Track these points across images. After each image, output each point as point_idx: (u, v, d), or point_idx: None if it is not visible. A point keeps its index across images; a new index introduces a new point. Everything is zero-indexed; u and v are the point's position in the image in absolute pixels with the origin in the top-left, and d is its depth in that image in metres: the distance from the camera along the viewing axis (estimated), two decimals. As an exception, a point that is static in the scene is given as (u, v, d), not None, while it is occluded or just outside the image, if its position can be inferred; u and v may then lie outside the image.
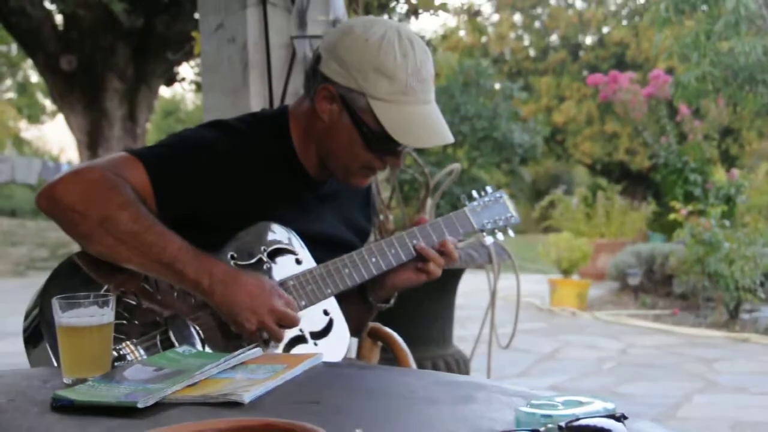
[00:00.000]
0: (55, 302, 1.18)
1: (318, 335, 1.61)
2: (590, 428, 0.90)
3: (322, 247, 1.66)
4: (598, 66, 19.52)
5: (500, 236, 1.84)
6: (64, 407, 1.03)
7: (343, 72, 1.54)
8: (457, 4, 18.24)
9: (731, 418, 4.27)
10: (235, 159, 1.57)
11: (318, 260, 1.64)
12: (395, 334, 1.96)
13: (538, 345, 6.45)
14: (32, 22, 11.39)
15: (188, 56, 12.26)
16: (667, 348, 6.41)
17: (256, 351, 1.29)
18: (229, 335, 1.51)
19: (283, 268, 1.60)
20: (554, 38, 22.18)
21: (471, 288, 5.17)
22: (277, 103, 2.91)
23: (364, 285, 1.71)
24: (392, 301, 1.79)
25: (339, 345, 1.63)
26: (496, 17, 22.30)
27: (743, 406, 4.58)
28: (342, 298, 1.67)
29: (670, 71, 11.93)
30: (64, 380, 1.17)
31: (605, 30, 21.18)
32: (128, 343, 1.42)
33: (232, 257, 1.56)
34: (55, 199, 1.44)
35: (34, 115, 26.22)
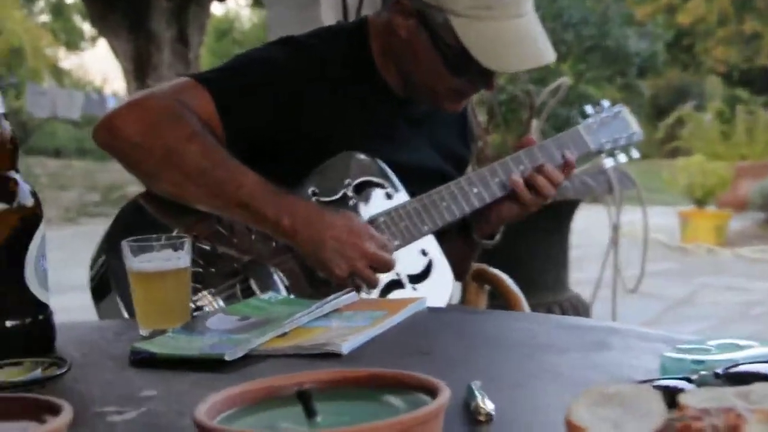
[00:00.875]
0: (125, 245, 1.22)
1: (417, 278, 1.63)
2: (755, 375, 0.88)
3: (415, 179, 1.66)
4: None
5: (622, 158, 1.81)
6: (144, 360, 1.08)
7: None
8: None
9: None
10: (311, 79, 1.58)
11: (411, 193, 1.64)
12: (505, 276, 1.97)
13: (670, 288, 6.34)
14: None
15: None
16: (828, 288, 6.23)
17: (352, 296, 1.31)
18: (316, 282, 1.54)
19: (372, 204, 1.62)
20: None
21: (587, 224, 5.10)
22: (352, 15, 2.90)
23: (464, 220, 1.71)
24: (498, 237, 1.79)
25: (441, 289, 1.64)
26: None
27: None
28: (441, 235, 1.68)
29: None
30: (141, 332, 1.21)
31: None
32: (205, 293, 1.47)
33: (314, 193, 1.58)
34: (114, 133, 1.48)
35: (73, 42, 26.78)
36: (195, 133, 1.47)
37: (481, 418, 0.80)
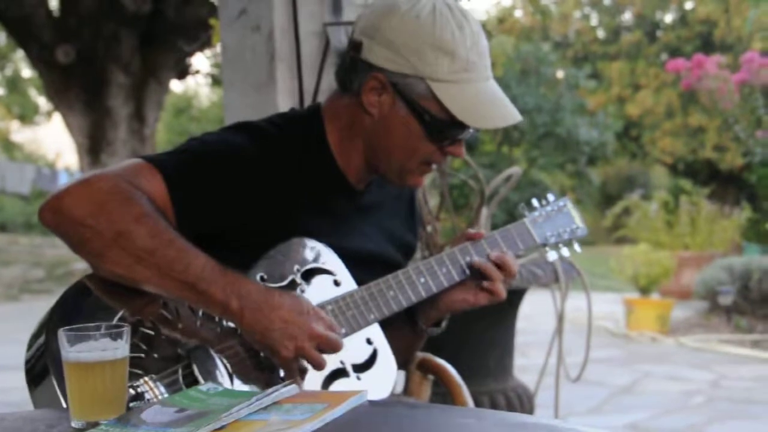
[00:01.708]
0: (62, 334, 1.20)
1: (361, 368, 1.62)
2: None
3: (363, 266, 1.67)
4: (680, 48, 19.32)
5: (565, 252, 1.84)
6: (74, 455, 1.05)
7: (393, 56, 1.56)
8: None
9: None
10: (264, 167, 1.58)
11: (359, 281, 1.65)
12: (449, 366, 1.97)
13: (613, 376, 6.37)
14: (24, 8, 11.60)
15: (203, 46, 12.39)
16: (768, 380, 6.30)
17: (292, 388, 1.30)
18: (260, 367, 1.52)
19: (320, 291, 1.61)
20: (627, 17, 22.00)
21: (532, 310, 5.14)
22: (308, 100, 2.93)
23: (412, 307, 1.72)
24: (444, 325, 1.80)
25: (385, 379, 1.64)
26: (557, -7, 22.20)
27: None
28: (386, 323, 1.67)
29: (766, 53, 11.74)
30: (73, 424, 1.18)
31: (688, 5, 20.93)
32: (146, 379, 1.43)
33: (262, 279, 1.57)
34: (61, 213, 1.45)
35: (27, 115, 26.66)
36: (144, 214, 1.45)
37: None
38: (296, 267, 1.60)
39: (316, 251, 1.63)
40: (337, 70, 1.67)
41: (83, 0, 11.80)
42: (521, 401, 3.49)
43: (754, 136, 10.27)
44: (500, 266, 1.70)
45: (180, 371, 1.47)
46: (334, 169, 1.66)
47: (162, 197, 1.51)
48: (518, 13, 21.52)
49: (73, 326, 1.21)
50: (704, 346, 7.67)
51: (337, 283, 1.63)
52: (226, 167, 1.56)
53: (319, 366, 1.49)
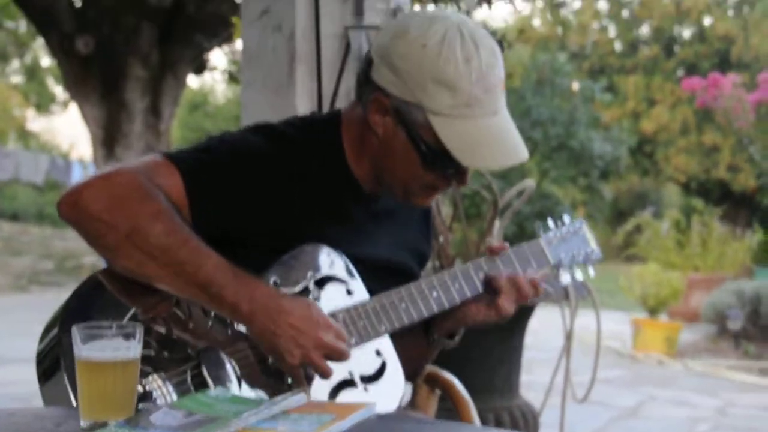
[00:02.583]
0: (75, 331, 1.20)
1: (369, 379, 1.61)
2: None
3: (376, 274, 1.67)
4: (697, 65, 19.28)
5: (579, 275, 1.83)
6: (82, 456, 1.05)
7: (397, 81, 1.55)
8: (534, -9, 18.22)
9: None
10: (282, 169, 1.59)
11: (371, 288, 1.64)
12: (456, 382, 1.96)
13: (618, 398, 6.34)
14: (46, -4, 11.66)
15: (222, 42, 12.43)
16: (775, 408, 6.26)
17: (300, 398, 1.29)
18: (268, 372, 1.52)
19: (332, 299, 1.61)
20: (645, 30, 21.95)
21: (540, 326, 5.12)
22: (327, 104, 2.93)
23: (427, 319, 1.71)
24: (458, 338, 1.79)
25: (392, 391, 1.63)
26: (576, 3, 22.17)
27: None
28: (400, 333, 1.67)
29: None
30: (81, 423, 1.18)
31: (707, 21, 20.88)
32: (155, 376, 1.43)
33: (275, 284, 1.57)
34: (79, 207, 1.46)
35: (43, 104, 26.76)
36: (161, 212, 1.45)
37: None
38: (310, 273, 1.60)
39: (330, 258, 1.63)
40: (356, 80, 1.67)
41: (105, -9, 11.85)
42: (526, 420, 3.47)
43: (769, 158, 10.24)
44: (513, 286, 1.69)
45: (189, 371, 1.47)
46: (348, 176, 1.66)
47: (179, 195, 1.51)
48: (536, 23, 21.50)
49: (87, 323, 1.22)
50: (711, 371, 7.64)
51: (349, 292, 1.63)
52: (245, 168, 1.56)
53: (325, 375, 1.48)
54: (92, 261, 12.46)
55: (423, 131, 1.55)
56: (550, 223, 1.83)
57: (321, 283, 1.61)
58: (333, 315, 1.59)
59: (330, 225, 1.64)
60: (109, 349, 1.19)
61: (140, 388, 1.38)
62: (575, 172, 16.60)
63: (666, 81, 20.05)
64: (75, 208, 1.46)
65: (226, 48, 13.85)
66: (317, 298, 1.60)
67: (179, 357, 1.48)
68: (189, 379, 1.47)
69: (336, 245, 1.63)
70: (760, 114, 10.71)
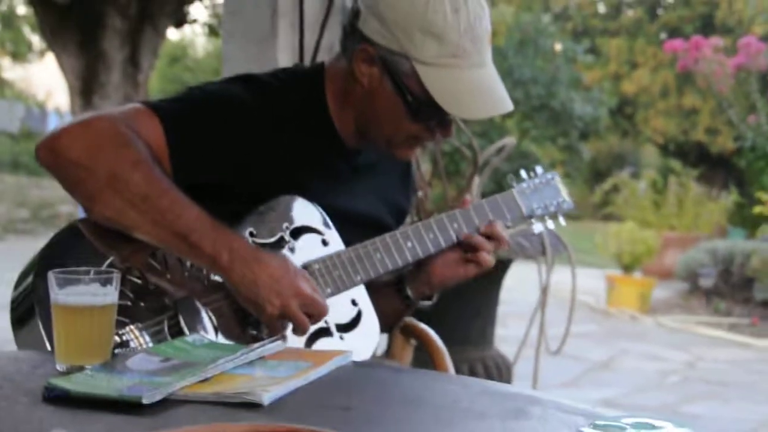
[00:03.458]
0: (52, 276, 1.19)
1: (344, 328, 1.63)
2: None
3: (353, 227, 1.67)
4: (680, 28, 19.25)
5: (550, 224, 1.85)
6: (58, 398, 1.05)
7: (384, 31, 1.54)
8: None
9: (815, 450, 4.25)
10: (263, 120, 1.58)
11: (347, 241, 1.65)
12: (432, 332, 1.98)
13: (590, 351, 6.44)
14: (23, -54, 11.44)
15: (203, -5, 12.27)
16: (744, 364, 6.37)
17: (278, 344, 1.30)
18: (245, 323, 1.53)
19: (308, 250, 1.62)
20: (629, -8, 21.87)
21: (515, 281, 5.15)
22: (308, 58, 2.91)
23: (402, 278, 1.74)
24: (434, 299, 1.81)
25: (367, 340, 1.65)
26: (561, -36, 22.02)
27: (830, 437, 4.55)
28: (376, 291, 1.68)
29: (767, 37, 11.72)
30: (58, 367, 1.18)
31: (690, -15, 20.84)
32: (132, 327, 1.43)
33: (251, 234, 1.57)
34: (57, 152, 1.45)
35: (19, 53, 26.34)
36: (141, 161, 1.45)
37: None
38: (285, 224, 1.60)
39: (306, 209, 1.63)
40: (341, 32, 1.66)
41: (83, -60, 11.63)
42: (500, 371, 3.52)
43: (746, 121, 10.30)
44: (490, 237, 1.70)
45: (166, 321, 1.48)
46: (330, 129, 1.66)
47: (159, 144, 1.50)
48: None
49: (64, 269, 1.21)
50: (682, 326, 7.75)
51: (325, 243, 1.64)
52: (225, 117, 1.56)
53: (302, 326, 1.49)
54: (68, 210, 12.39)
55: (409, 81, 1.54)
56: (523, 174, 1.83)
57: (296, 233, 1.61)
58: (308, 265, 1.60)
59: (310, 177, 1.64)
60: (87, 294, 1.19)
61: (117, 338, 1.38)
62: (555, 132, 16.61)
63: (649, 44, 20.01)
64: (53, 153, 1.46)
65: (206, 1, 13.67)
66: (292, 249, 1.60)
67: (156, 307, 1.48)
68: (166, 329, 1.47)
69: (315, 197, 1.64)
70: (740, 78, 10.74)
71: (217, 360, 1.19)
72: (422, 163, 3.74)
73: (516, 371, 3.79)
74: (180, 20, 14.07)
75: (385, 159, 1.78)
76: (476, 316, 3.57)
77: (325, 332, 1.59)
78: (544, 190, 1.83)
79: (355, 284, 1.64)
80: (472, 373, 3.40)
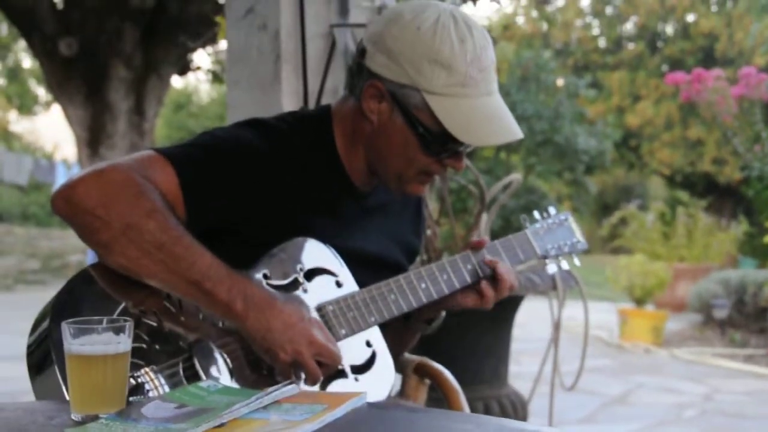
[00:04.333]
0: (65, 326, 1.20)
1: (359, 369, 1.62)
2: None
3: (366, 268, 1.68)
4: (682, 60, 19.35)
5: (565, 265, 1.86)
6: (75, 448, 1.05)
7: (392, 65, 1.56)
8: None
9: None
10: (274, 164, 1.59)
11: (360, 282, 1.65)
12: (446, 371, 1.97)
13: (606, 386, 6.38)
14: (28, -1, 11.60)
15: (206, 43, 12.38)
16: (761, 395, 6.30)
17: (292, 388, 1.30)
18: (259, 367, 1.53)
19: (322, 291, 1.62)
20: (629, 27, 22.03)
21: (527, 317, 5.14)
22: (312, 101, 2.94)
23: None
24: (435, 325, 1.81)
25: (383, 381, 1.64)
26: (560, 1, 22.21)
27: None
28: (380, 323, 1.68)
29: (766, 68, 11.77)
30: (73, 416, 1.18)
31: (691, 18, 20.96)
32: (147, 369, 1.43)
33: (265, 276, 1.58)
34: (73, 202, 1.46)
35: (26, 106, 26.60)
36: (155, 209, 1.46)
37: None
38: (299, 266, 1.61)
39: (319, 251, 1.63)
40: (347, 73, 1.68)
41: (87, -7, 11.78)
42: (515, 408, 3.49)
43: (752, 150, 10.30)
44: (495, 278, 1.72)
45: (181, 364, 1.48)
46: (340, 171, 1.67)
47: (173, 190, 1.52)
48: (520, 20, 21.53)
49: (77, 318, 1.22)
50: (698, 358, 7.69)
51: (339, 284, 1.64)
52: (237, 162, 1.57)
53: (314, 375, 1.49)
54: (78, 259, 12.43)
55: (420, 113, 1.56)
56: (536, 215, 1.85)
57: (310, 275, 1.62)
58: (322, 306, 1.60)
59: (321, 219, 1.65)
60: (100, 343, 1.20)
61: (132, 381, 1.38)
62: (560, 167, 16.65)
63: (650, 77, 20.11)
64: (69, 203, 1.47)
65: (209, 48, 13.81)
66: (306, 290, 1.60)
67: (171, 350, 1.48)
68: (181, 371, 1.47)
69: (326, 239, 1.64)
70: (743, 108, 10.77)
71: (232, 405, 1.19)
72: (430, 202, 3.75)
73: (531, 408, 3.76)
74: (184, 68, 14.21)
75: (396, 200, 1.79)
76: (489, 354, 3.55)
77: (340, 374, 1.59)
78: (558, 231, 1.84)
79: (369, 326, 1.64)
80: (487, 411, 3.37)
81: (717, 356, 7.75)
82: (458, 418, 1.39)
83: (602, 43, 22.06)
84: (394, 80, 1.57)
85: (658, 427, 5.29)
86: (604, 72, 20.94)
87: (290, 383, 1.32)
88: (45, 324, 1.46)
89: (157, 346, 1.47)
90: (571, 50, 21.68)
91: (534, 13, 21.62)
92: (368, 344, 1.65)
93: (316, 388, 1.54)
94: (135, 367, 1.38)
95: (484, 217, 3.63)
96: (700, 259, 10.97)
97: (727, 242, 11.31)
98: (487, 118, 1.57)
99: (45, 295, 1.55)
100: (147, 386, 1.42)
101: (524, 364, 6.08)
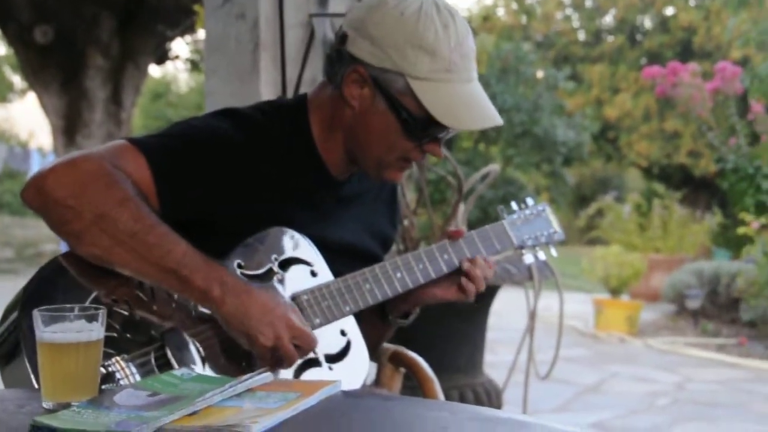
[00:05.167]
0: (37, 315, 1.19)
1: (334, 358, 1.63)
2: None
3: (341, 257, 1.68)
4: (660, 54, 19.43)
5: (541, 255, 1.86)
6: (45, 436, 1.04)
7: (375, 51, 1.56)
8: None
9: (807, 468, 4.25)
10: (249, 154, 1.59)
11: (336, 272, 1.66)
12: (421, 360, 1.97)
13: (581, 375, 6.43)
14: (3, -14, 11.48)
15: (185, 32, 12.33)
16: (732, 383, 6.37)
17: (266, 376, 1.30)
18: (232, 354, 1.52)
19: (296, 281, 1.62)
20: (609, 20, 22.08)
21: (503, 307, 5.15)
22: (291, 91, 2.93)
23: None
24: (411, 318, 1.81)
25: (357, 370, 1.65)
26: (540, -7, 22.22)
27: (821, 455, 4.55)
28: (356, 313, 1.68)
29: (744, 61, 11.86)
30: (44, 404, 1.18)
31: (670, 11, 21.06)
32: (118, 358, 1.43)
33: (239, 265, 1.57)
34: (44, 192, 1.45)
35: (1, 93, 26.36)
36: (127, 198, 1.45)
37: None
38: (274, 256, 1.60)
39: (294, 241, 1.63)
40: (325, 60, 1.67)
41: (64, -20, 11.67)
42: (490, 397, 3.51)
43: (727, 144, 10.38)
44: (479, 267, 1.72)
45: (152, 353, 1.47)
46: (316, 160, 1.67)
47: (146, 181, 1.51)
48: (500, 12, 21.53)
49: (48, 306, 1.21)
50: (671, 348, 7.76)
51: (313, 274, 1.64)
52: (211, 153, 1.56)
53: (291, 358, 1.49)
54: (52, 248, 12.34)
55: (403, 98, 1.56)
56: (514, 206, 1.85)
57: (285, 265, 1.62)
58: (297, 296, 1.60)
59: (296, 209, 1.64)
60: (72, 331, 1.19)
61: (103, 370, 1.37)
62: (539, 158, 16.66)
63: (630, 70, 20.16)
64: (40, 194, 1.46)
65: (188, 37, 13.74)
66: (281, 280, 1.60)
67: (142, 339, 1.48)
68: (153, 360, 1.47)
69: (302, 229, 1.64)
70: (718, 102, 10.85)
71: (205, 393, 1.18)
72: (407, 192, 3.75)
73: (506, 397, 3.78)
74: (162, 57, 14.13)
75: (371, 190, 1.79)
76: (465, 343, 3.57)
77: (314, 363, 1.59)
78: (535, 222, 1.85)
79: (344, 315, 1.64)
80: (462, 399, 3.39)
81: (690, 346, 7.83)
82: (433, 406, 1.40)
83: (582, 35, 22.10)
84: (377, 65, 1.56)
85: (630, 415, 5.34)
86: (584, 65, 20.98)
87: (264, 371, 1.32)
88: (14, 315, 1.45)
89: (128, 335, 1.46)
90: (551, 43, 21.72)
91: (514, 5, 21.62)
92: (343, 333, 1.65)
93: (290, 376, 1.54)
94: (106, 356, 1.38)
95: (462, 207, 3.64)
96: (675, 250, 11.05)
97: (701, 234, 11.40)
98: (469, 103, 1.58)
99: (18, 284, 1.54)
100: (118, 375, 1.41)
101: (500, 353, 6.11)
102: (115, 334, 1.44)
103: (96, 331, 1.20)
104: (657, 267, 10.39)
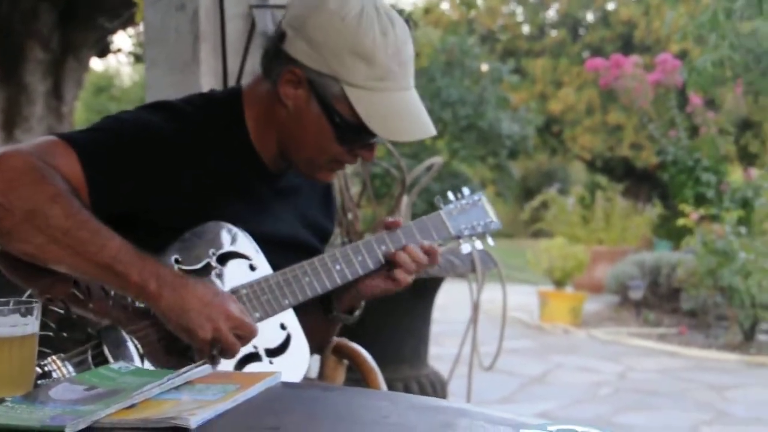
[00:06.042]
0: (-30, 309, 1.17)
1: (274, 352, 1.62)
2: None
3: (279, 250, 1.67)
4: (602, 48, 19.68)
5: (478, 244, 1.88)
6: (-22, 431, 1.03)
7: (313, 54, 1.55)
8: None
9: (743, 453, 4.35)
10: (181, 147, 1.57)
11: (274, 265, 1.65)
12: (363, 351, 1.98)
13: (525, 366, 6.50)
14: (-63, -23, 11.20)
15: (126, 24, 12.14)
16: (673, 372, 6.50)
17: (205, 368, 1.29)
18: (172, 350, 1.51)
19: (235, 275, 1.61)
20: (552, 14, 22.32)
21: (448, 300, 5.20)
22: (232, 82, 2.91)
23: (326, 294, 1.73)
24: (357, 313, 1.81)
25: (298, 363, 1.65)
26: (484, -13, 22.36)
27: (757, 439, 4.67)
28: (300, 310, 1.68)
29: (683, 54, 12.08)
30: (-22, 400, 1.16)
31: (611, 6, 21.36)
32: (54, 358, 1.41)
33: (177, 261, 1.56)
34: None
35: (-62, 88, 25.79)
36: (59, 194, 1.43)
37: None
38: (211, 250, 1.59)
39: (232, 235, 1.62)
40: (263, 55, 1.66)
41: (1, -29, 11.44)
42: (434, 388, 3.53)
43: (667, 136, 10.57)
44: (409, 256, 1.72)
45: (89, 351, 1.46)
46: (251, 153, 1.66)
47: (76, 176, 1.48)
48: (444, 6, 21.62)
49: (-19, 301, 1.19)
50: (614, 338, 7.89)
51: (252, 268, 1.63)
52: (141, 146, 1.54)
53: (232, 349, 1.49)
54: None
55: (337, 103, 1.55)
56: (450, 196, 1.86)
57: (223, 259, 1.61)
58: (236, 290, 1.59)
59: (232, 202, 1.63)
60: (6, 325, 1.17)
61: (39, 370, 1.35)
62: (484, 152, 16.79)
63: (572, 64, 20.38)
64: None
65: (130, 30, 13.53)
66: (220, 274, 1.59)
67: (79, 337, 1.46)
68: (90, 359, 1.45)
69: (239, 222, 1.63)
70: (659, 94, 11.04)
71: (143, 386, 1.18)
72: (352, 185, 3.76)
73: (451, 389, 3.81)
74: (104, 50, 13.91)
75: (307, 182, 1.79)
76: (409, 335, 3.58)
77: (254, 357, 1.59)
78: (471, 211, 1.86)
79: (283, 308, 1.64)
80: (407, 391, 3.40)
81: (632, 336, 7.97)
82: (373, 396, 1.41)
83: (526, 29, 22.30)
84: (313, 68, 1.55)
85: (574, 405, 5.42)
86: (528, 59, 21.18)
87: (203, 364, 1.31)
88: None
89: (64, 334, 1.44)
90: (496, 37, 21.88)
91: (458, -1, 21.75)
92: (283, 327, 1.65)
93: (231, 368, 1.53)
94: (42, 355, 1.36)
95: (405, 199, 3.66)
96: (618, 241, 11.23)
97: (642, 225, 11.60)
98: (403, 113, 1.57)
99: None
100: (54, 374, 1.40)
101: (445, 346, 6.15)
102: (50, 333, 1.42)
103: (31, 325, 1.19)
104: (600, 258, 10.56)
